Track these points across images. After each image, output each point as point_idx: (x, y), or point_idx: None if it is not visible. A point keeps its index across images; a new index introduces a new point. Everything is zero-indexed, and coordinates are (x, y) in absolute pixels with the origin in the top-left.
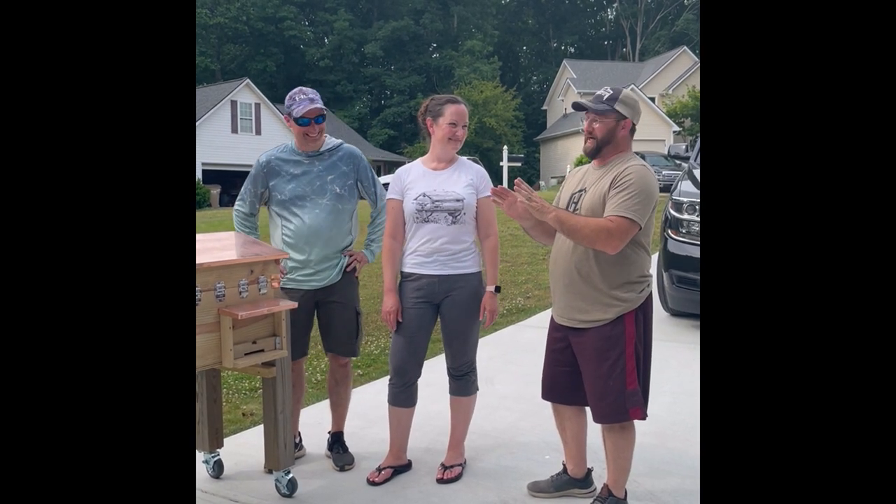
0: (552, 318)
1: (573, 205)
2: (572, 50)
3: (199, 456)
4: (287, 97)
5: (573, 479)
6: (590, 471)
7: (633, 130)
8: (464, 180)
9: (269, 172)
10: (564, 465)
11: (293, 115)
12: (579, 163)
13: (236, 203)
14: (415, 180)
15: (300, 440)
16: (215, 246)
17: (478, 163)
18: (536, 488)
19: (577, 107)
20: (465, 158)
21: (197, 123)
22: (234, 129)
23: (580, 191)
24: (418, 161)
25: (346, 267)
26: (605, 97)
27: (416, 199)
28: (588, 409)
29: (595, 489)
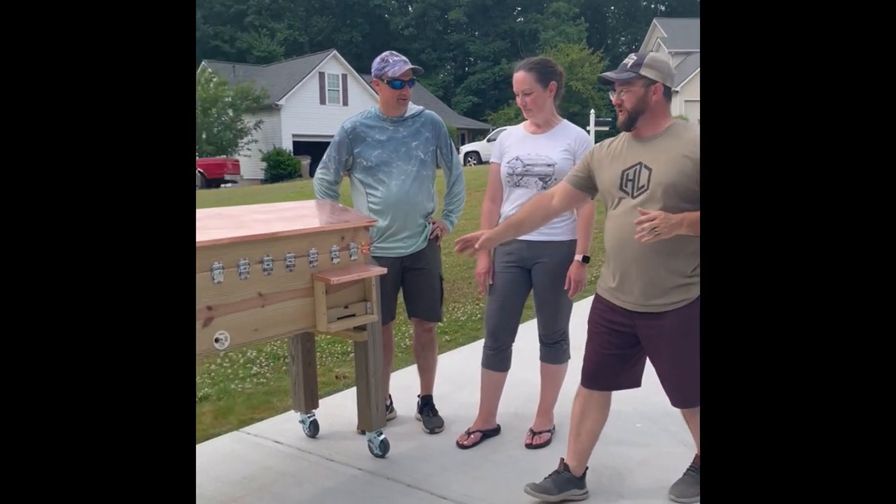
0: (609, 302)
1: (629, 182)
2: (662, 8)
3: (296, 416)
4: (378, 59)
5: (574, 479)
6: (586, 470)
7: (668, 94)
8: (560, 145)
9: (354, 139)
10: (564, 462)
11: (387, 76)
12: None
13: (318, 171)
14: (512, 144)
15: (391, 403)
16: (307, 213)
17: None
18: (540, 489)
19: (603, 81)
20: (567, 122)
21: (286, 96)
22: (322, 101)
23: (635, 166)
24: (521, 125)
25: (430, 234)
26: (630, 64)
27: (508, 162)
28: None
29: (587, 492)
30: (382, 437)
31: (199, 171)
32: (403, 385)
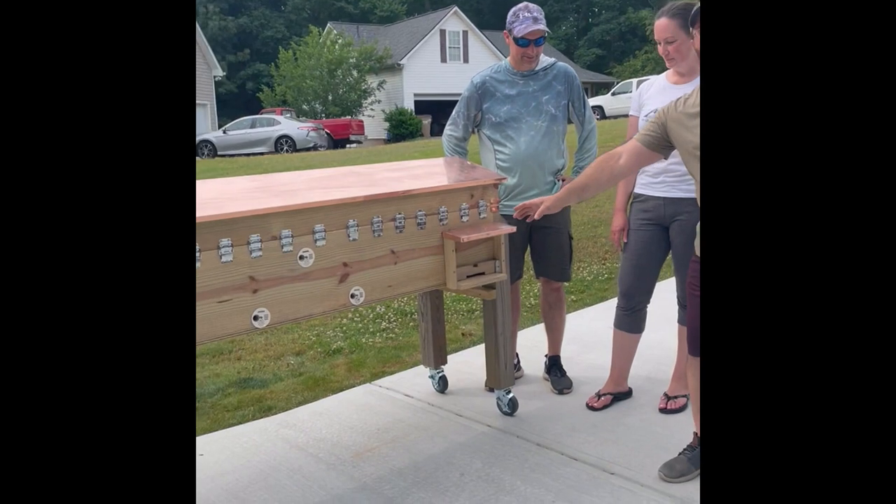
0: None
1: None
2: None
3: (425, 371)
4: (510, 12)
5: None
6: None
7: None
8: None
9: (483, 94)
10: (697, 435)
11: (514, 33)
12: None
13: (447, 128)
14: (652, 95)
15: (518, 362)
16: (436, 171)
17: None
18: (675, 473)
19: (694, 19)
20: None
21: (408, 55)
22: (443, 59)
23: None
24: (664, 74)
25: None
26: None
27: (646, 115)
28: None
29: None
30: (511, 395)
31: (326, 132)
32: (530, 344)
